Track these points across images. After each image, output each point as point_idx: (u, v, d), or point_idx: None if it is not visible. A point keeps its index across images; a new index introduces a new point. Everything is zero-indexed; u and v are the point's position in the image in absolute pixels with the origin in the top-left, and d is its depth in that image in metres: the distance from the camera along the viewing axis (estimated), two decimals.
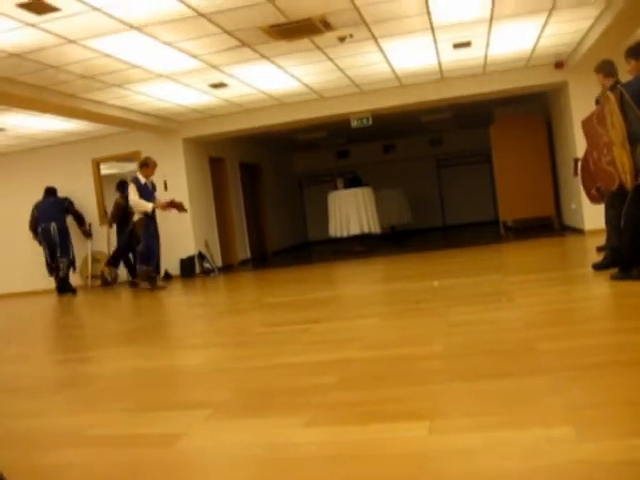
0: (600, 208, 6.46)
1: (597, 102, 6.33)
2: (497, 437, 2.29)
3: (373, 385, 3.23)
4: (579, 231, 10.84)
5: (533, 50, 9.40)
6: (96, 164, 12.39)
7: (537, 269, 7.22)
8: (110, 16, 6.01)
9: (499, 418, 2.48)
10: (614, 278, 5.31)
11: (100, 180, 12.46)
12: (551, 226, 12.80)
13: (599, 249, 7.42)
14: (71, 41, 6.59)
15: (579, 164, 6.98)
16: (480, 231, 14.81)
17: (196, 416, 2.99)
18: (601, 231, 7.39)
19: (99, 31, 6.41)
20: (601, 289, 5.36)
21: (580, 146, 9.76)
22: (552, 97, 12.26)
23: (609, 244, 6.06)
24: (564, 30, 8.43)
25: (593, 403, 2.54)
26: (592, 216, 9.01)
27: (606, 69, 5.87)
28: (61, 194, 11.70)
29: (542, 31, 8.31)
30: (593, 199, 6.52)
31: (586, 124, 6.25)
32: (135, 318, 7.74)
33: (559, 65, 10.38)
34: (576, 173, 7.04)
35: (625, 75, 5.36)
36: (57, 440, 2.92)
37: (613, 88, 5.64)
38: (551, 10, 7.41)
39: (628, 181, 5.04)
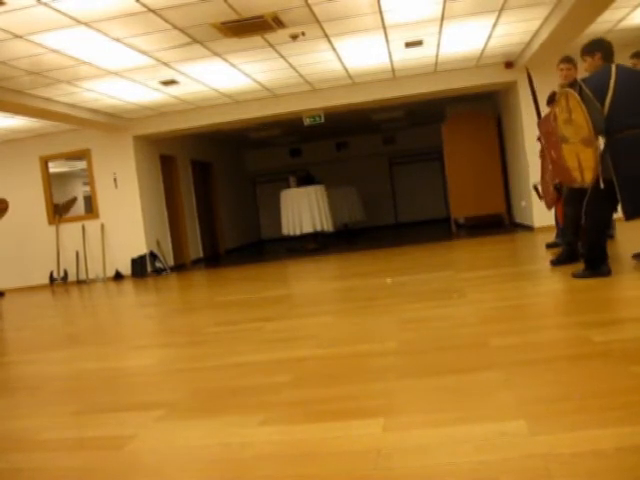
0: None
1: (549, 100, 6.35)
2: (451, 433, 2.30)
3: (327, 383, 3.22)
4: (529, 228, 11.03)
5: (483, 50, 9.52)
6: (44, 162, 12.12)
7: (488, 265, 7.30)
8: (58, 11, 5.88)
9: (452, 414, 2.50)
10: (579, 276, 5.12)
11: (49, 178, 12.19)
12: (501, 223, 12.98)
13: (548, 246, 7.55)
14: (17, 36, 6.43)
15: (539, 187, 6.99)
16: (432, 228, 14.93)
17: (148, 417, 2.94)
18: (550, 228, 7.54)
19: (46, 26, 6.26)
20: (551, 285, 5.45)
21: (529, 145, 9.99)
22: (502, 96, 12.43)
23: (565, 240, 6.09)
24: (513, 30, 8.55)
25: (545, 397, 2.57)
26: (541, 213, 9.15)
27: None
28: (7, 192, 11.44)
29: (492, 31, 8.41)
30: (549, 204, 6.59)
31: (543, 124, 6.18)
32: (85, 319, 7.61)
33: (509, 65, 10.57)
34: (540, 197, 7.04)
35: (581, 72, 5.39)
36: (5, 445, 2.84)
37: (572, 85, 5.53)
38: (501, 10, 7.51)
39: (588, 178, 4.84)
